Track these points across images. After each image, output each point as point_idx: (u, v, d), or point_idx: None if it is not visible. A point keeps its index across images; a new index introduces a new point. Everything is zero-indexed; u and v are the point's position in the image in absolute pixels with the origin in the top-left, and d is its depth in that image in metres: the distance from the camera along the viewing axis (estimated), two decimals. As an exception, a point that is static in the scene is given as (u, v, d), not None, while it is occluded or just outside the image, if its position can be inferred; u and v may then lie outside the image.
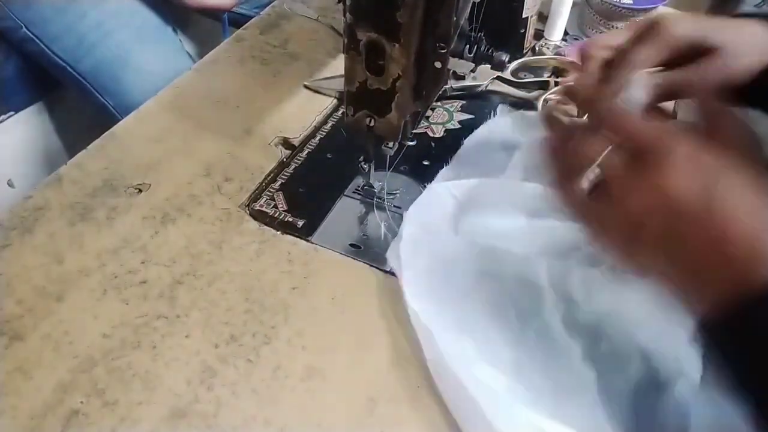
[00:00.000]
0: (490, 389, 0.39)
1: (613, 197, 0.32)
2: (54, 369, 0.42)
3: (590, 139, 0.34)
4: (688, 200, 0.30)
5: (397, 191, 0.56)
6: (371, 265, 0.51)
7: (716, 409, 0.37)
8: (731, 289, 0.29)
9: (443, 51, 0.44)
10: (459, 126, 0.66)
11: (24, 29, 0.88)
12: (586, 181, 0.33)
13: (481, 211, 0.50)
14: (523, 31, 0.74)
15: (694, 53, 0.45)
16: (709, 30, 0.45)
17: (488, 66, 0.51)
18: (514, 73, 0.71)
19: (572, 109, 0.70)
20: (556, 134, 0.36)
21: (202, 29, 1.16)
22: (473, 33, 0.48)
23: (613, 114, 0.35)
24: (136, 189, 0.56)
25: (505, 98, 0.69)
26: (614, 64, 0.45)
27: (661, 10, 0.88)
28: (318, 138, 0.63)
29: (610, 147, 0.32)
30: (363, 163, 0.53)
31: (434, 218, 0.50)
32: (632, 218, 0.31)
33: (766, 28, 0.45)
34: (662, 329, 0.41)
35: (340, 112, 0.66)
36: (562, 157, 0.35)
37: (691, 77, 0.44)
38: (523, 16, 0.72)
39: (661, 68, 0.45)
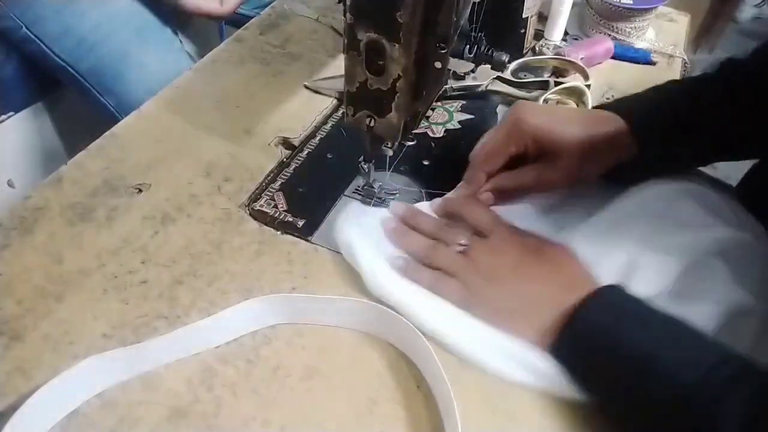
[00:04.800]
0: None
1: (474, 258, 0.47)
2: (54, 369, 0.42)
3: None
4: (514, 259, 0.47)
5: (397, 191, 0.56)
6: (371, 265, 0.50)
7: None
8: (542, 324, 0.43)
9: (443, 51, 0.44)
10: (459, 126, 0.66)
11: (24, 29, 0.88)
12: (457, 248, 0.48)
13: None
14: (523, 31, 0.74)
15: (546, 147, 0.51)
16: (559, 129, 0.51)
17: (488, 66, 0.51)
18: (514, 73, 0.71)
19: (572, 107, 0.70)
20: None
21: (202, 29, 1.16)
22: (473, 33, 0.48)
23: (463, 206, 0.51)
24: (136, 189, 0.56)
25: (505, 98, 0.69)
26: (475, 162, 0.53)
27: (661, 9, 0.89)
28: (318, 138, 0.63)
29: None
30: (363, 163, 0.53)
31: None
32: (488, 269, 0.46)
33: (620, 122, 0.51)
34: None
35: (340, 112, 0.66)
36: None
37: (534, 179, 0.52)
38: (523, 16, 0.72)
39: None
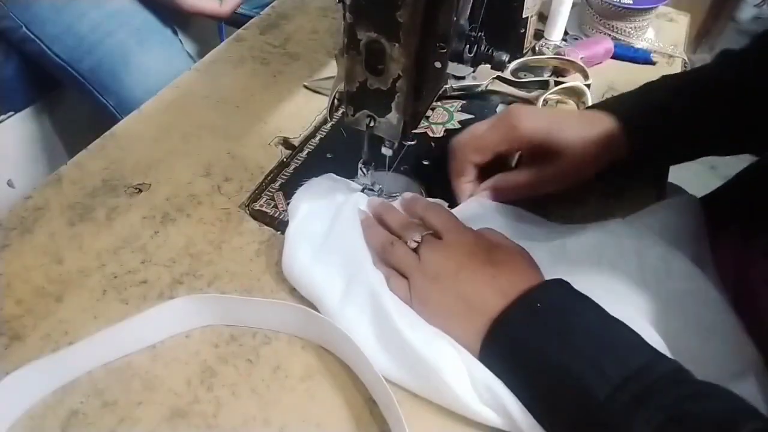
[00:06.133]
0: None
1: (421, 257, 0.46)
2: (54, 369, 0.42)
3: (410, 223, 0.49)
4: (460, 260, 0.44)
5: (397, 193, 0.56)
6: (371, 265, 0.50)
7: None
8: (484, 325, 0.41)
9: (443, 51, 0.44)
10: (459, 126, 0.66)
11: (24, 29, 0.88)
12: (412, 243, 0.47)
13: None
14: (523, 31, 0.74)
15: (542, 149, 0.51)
16: (555, 131, 0.51)
17: (488, 66, 0.51)
18: (514, 73, 0.71)
19: (571, 108, 0.70)
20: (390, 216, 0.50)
21: (202, 29, 1.16)
22: (473, 33, 0.48)
23: (423, 206, 0.50)
24: (136, 189, 0.56)
25: (505, 98, 0.69)
26: (464, 151, 0.54)
27: (661, 9, 0.89)
28: (318, 138, 0.63)
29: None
30: (363, 166, 0.53)
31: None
32: (433, 269, 0.44)
33: (615, 122, 0.51)
34: None
35: (340, 112, 0.66)
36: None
37: (532, 181, 0.53)
38: (523, 16, 0.72)
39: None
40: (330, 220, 0.50)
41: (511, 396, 0.39)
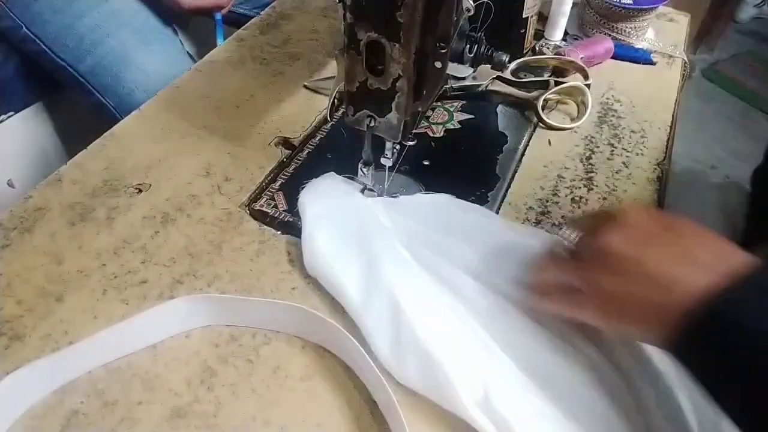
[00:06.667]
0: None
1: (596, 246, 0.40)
2: (54, 369, 0.42)
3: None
4: (642, 235, 0.39)
5: (397, 193, 0.56)
6: (371, 265, 0.50)
7: None
8: (666, 317, 0.35)
9: (443, 51, 0.44)
10: (459, 126, 0.66)
11: (24, 29, 0.88)
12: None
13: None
14: (523, 31, 0.74)
15: None
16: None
17: (488, 66, 0.51)
18: (514, 73, 0.71)
19: (571, 108, 0.70)
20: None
21: (202, 29, 1.16)
22: (473, 33, 0.48)
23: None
24: (136, 189, 0.56)
25: (505, 98, 0.69)
26: None
27: (661, 9, 0.88)
28: (318, 138, 0.63)
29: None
30: (363, 167, 0.53)
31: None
32: (612, 255, 0.38)
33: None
34: None
35: (340, 112, 0.66)
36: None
37: None
38: (523, 16, 0.72)
39: None
40: (347, 220, 0.51)
41: (521, 425, 0.38)
